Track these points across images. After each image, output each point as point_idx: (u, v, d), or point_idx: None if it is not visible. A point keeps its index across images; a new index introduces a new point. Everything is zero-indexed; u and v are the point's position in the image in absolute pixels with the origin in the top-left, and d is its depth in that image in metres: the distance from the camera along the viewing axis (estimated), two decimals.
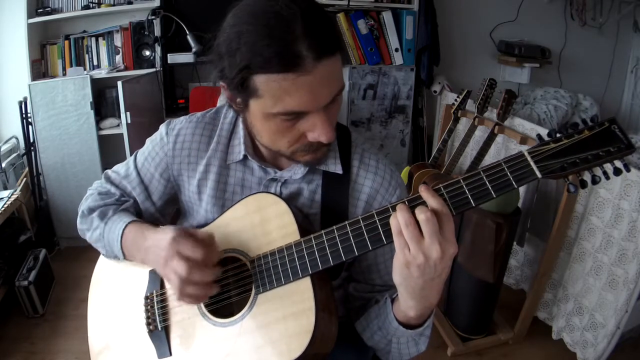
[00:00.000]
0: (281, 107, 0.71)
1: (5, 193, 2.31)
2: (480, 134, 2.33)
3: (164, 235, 0.80)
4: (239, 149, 0.90)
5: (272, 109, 0.71)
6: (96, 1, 2.59)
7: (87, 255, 1.01)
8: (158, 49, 2.63)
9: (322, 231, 0.76)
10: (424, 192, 0.68)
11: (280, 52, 0.66)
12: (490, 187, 0.66)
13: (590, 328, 1.77)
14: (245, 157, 0.89)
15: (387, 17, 2.71)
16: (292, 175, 0.89)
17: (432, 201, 0.67)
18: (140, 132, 2.48)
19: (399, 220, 0.67)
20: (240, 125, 0.91)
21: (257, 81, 0.69)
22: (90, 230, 0.96)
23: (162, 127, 0.96)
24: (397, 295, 0.77)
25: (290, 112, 0.72)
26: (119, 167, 1.02)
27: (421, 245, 0.65)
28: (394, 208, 0.70)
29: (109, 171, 1.03)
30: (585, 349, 1.80)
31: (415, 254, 0.65)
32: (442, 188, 0.68)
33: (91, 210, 0.95)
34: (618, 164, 0.63)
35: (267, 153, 0.90)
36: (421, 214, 0.65)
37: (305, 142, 0.78)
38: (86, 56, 2.69)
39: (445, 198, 0.68)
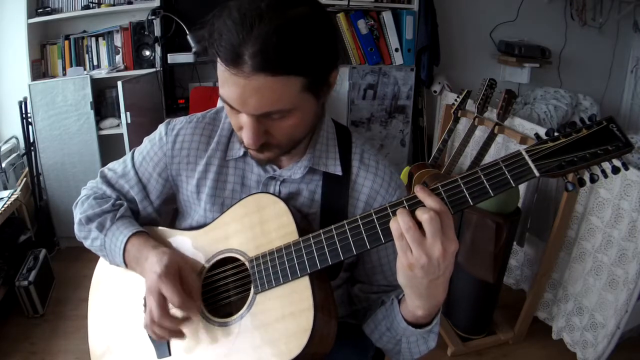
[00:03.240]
0: (221, 92, 0.73)
1: (5, 193, 2.31)
2: (480, 134, 2.33)
3: (155, 265, 0.82)
4: (240, 145, 0.90)
5: (220, 88, 0.73)
6: (96, 1, 2.59)
7: (87, 255, 1.01)
8: (158, 49, 2.63)
9: (321, 231, 0.76)
10: (420, 192, 0.68)
11: (228, 45, 0.67)
12: (488, 186, 0.66)
13: (590, 328, 1.77)
14: (245, 154, 0.89)
15: (387, 17, 2.71)
16: (291, 174, 0.89)
17: (429, 201, 0.67)
18: (140, 132, 2.45)
19: (399, 224, 0.67)
20: None
21: (217, 60, 0.71)
22: (89, 239, 0.96)
23: (162, 127, 0.96)
24: (404, 295, 0.77)
25: (224, 100, 0.73)
26: (116, 165, 1.01)
27: (423, 246, 0.65)
28: (392, 207, 0.70)
29: (105, 169, 1.02)
30: (585, 349, 1.80)
31: (417, 256, 0.65)
32: (440, 187, 0.68)
33: (89, 220, 0.94)
34: (616, 162, 0.63)
35: None
36: (424, 214, 0.65)
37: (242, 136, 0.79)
38: (86, 56, 2.69)
39: (443, 197, 0.68)
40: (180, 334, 0.82)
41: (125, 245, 0.89)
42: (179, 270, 0.83)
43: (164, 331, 0.81)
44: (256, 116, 0.72)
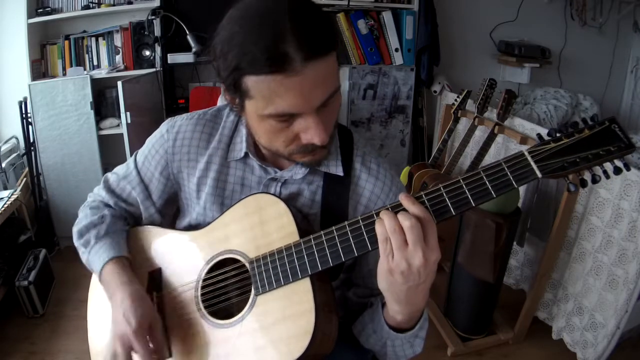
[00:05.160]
0: (272, 109, 0.70)
1: (5, 193, 2.30)
2: (480, 134, 2.33)
3: (128, 314, 0.81)
4: (241, 146, 0.90)
5: (264, 110, 0.71)
6: (96, 1, 2.59)
7: None
8: (158, 49, 2.62)
9: (321, 232, 0.75)
10: (404, 200, 0.68)
11: (267, 53, 0.64)
12: (490, 187, 0.66)
13: (590, 328, 1.77)
14: (246, 155, 0.89)
15: (387, 17, 2.71)
16: (292, 175, 0.88)
17: (414, 208, 0.67)
18: (140, 132, 2.48)
19: (385, 226, 0.67)
20: (243, 125, 0.91)
21: (247, 82, 0.69)
22: (80, 251, 0.97)
23: (163, 125, 0.96)
24: None
25: (281, 114, 0.71)
26: (119, 169, 1.02)
27: (404, 252, 0.65)
28: (394, 208, 0.70)
29: (108, 174, 1.03)
30: (585, 349, 1.80)
31: (398, 261, 0.66)
32: (441, 188, 0.68)
33: (80, 235, 0.96)
34: (618, 163, 0.63)
35: (268, 153, 0.90)
36: (405, 221, 0.65)
37: (300, 144, 0.77)
38: (86, 56, 2.69)
39: (445, 198, 0.68)
40: None
41: (101, 271, 0.89)
42: (150, 325, 0.82)
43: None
44: (317, 108, 0.71)
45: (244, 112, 0.78)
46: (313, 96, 0.69)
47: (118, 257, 0.90)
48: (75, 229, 0.97)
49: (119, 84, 2.33)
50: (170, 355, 0.87)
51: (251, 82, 0.68)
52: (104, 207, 0.99)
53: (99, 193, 1.01)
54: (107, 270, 0.89)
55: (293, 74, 0.65)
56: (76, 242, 0.97)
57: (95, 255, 0.91)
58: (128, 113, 2.38)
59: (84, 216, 0.98)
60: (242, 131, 0.91)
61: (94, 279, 1.02)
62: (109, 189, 1.00)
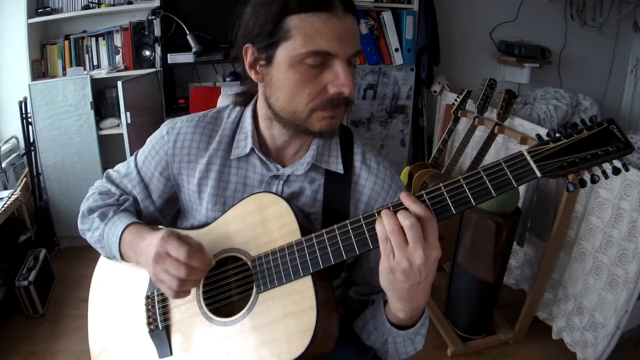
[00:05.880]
0: (311, 46, 0.74)
1: (5, 193, 2.31)
2: (480, 134, 2.34)
3: (156, 236, 0.82)
4: (245, 143, 0.90)
5: (302, 48, 0.75)
6: (96, 1, 2.59)
7: (87, 255, 1.02)
8: (158, 49, 2.63)
9: (323, 230, 0.76)
10: (405, 199, 0.69)
11: None
12: (490, 186, 0.66)
13: (590, 328, 1.77)
14: (251, 152, 0.89)
15: (387, 17, 2.71)
16: (294, 171, 0.89)
17: (414, 207, 0.68)
18: (140, 132, 2.48)
19: (385, 226, 0.68)
20: (247, 121, 0.91)
21: (290, 23, 0.75)
22: (90, 230, 0.96)
23: (163, 126, 0.96)
24: None
25: (319, 52, 0.75)
26: (120, 166, 1.03)
27: (405, 250, 0.66)
28: (395, 207, 0.71)
29: (110, 170, 1.03)
30: (585, 349, 1.80)
31: (399, 260, 0.67)
32: (442, 187, 0.68)
33: (91, 211, 0.96)
34: (617, 163, 0.63)
35: (273, 146, 0.90)
36: (405, 220, 0.66)
37: (325, 98, 0.78)
38: (86, 56, 2.69)
39: (446, 197, 0.68)
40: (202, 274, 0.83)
41: (122, 233, 0.89)
42: (178, 235, 0.83)
43: (195, 275, 0.80)
44: (347, 60, 0.77)
45: (270, 68, 0.80)
46: (348, 43, 0.76)
47: (138, 222, 0.92)
48: (84, 208, 0.97)
49: (119, 84, 2.33)
50: (172, 353, 0.87)
51: (295, 21, 0.74)
52: (114, 195, 0.99)
53: (104, 185, 1.01)
54: (130, 230, 0.89)
55: (336, 17, 0.74)
56: (85, 220, 0.97)
57: (116, 222, 0.92)
58: (128, 113, 2.38)
59: (93, 200, 0.98)
60: (246, 128, 0.91)
61: (95, 278, 1.03)
62: (113, 183, 1.01)
